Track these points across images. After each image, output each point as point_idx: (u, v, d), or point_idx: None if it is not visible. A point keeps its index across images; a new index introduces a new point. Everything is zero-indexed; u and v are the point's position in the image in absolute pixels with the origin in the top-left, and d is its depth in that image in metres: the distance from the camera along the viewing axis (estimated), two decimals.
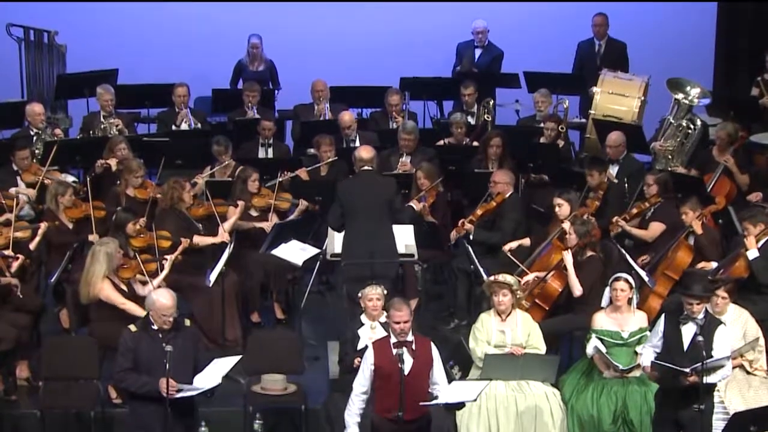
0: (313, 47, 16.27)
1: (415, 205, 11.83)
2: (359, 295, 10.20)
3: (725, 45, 16.40)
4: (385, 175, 11.84)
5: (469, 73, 15.20)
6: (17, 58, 15.61)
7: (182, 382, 8.97)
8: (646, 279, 10.99)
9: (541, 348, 10.21)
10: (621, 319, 10.13)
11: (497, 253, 11.88)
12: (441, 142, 13.81)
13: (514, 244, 11.62)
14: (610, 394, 9.96)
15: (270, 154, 13.69)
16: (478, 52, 15.53)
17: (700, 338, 8.98)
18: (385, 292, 10.10)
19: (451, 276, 12.25)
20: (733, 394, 9.94)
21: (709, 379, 9.00)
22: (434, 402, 9.01)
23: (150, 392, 8.96)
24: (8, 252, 11.00)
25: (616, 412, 9.92)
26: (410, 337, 9.00)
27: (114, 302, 10.40)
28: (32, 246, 11.33)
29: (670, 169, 12.93)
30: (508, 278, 10.26)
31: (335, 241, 11.24)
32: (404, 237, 11.20)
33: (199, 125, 14.21)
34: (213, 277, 11.00)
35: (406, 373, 8.84)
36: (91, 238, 11.53)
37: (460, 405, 9.32)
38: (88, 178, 12.25)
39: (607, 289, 10.24)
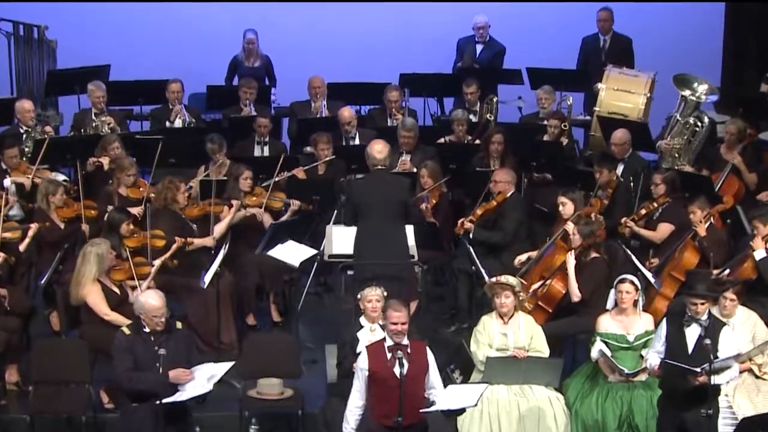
0: (310, 42, 16.27)
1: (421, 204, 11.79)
2: (358, 296, 10.19)
3: (733, 40, 16.40)
4: (397, 175, 11.79)
5: (470, 69, 15.20)
6: (6, 53, 15.60)
7: (174, 387, 8.96)
8: (652, 280, 10.99)
9: (544, 351, 10.20)
10: (626, 322, 10.12)
11: (499, 254, 11.87)
12: (442, 140, 13.81)
13: (523, 257, 11.58)
14: (615, 399, 9.95)
15: (266, 153, 13.68)
16: (479, 48, 15.54)
17: (707, 341, 8.98)
18: (385, 293, 10.09)
19: (451, 277, 12.25)
20: (742, 399, 9.93)
21: (716, 380, 9.01)
22: (433, 408, 9.00)
23: (161, 388, 8.93)
24: None
25: (622, 417, 9.92)
26: (405, 341, 8.99)
27: (98, 312, 10.40)
28: (22, 247, 11.31)
29: (677, 167, 12.92)
30: (511, 280, 10.25)
31: (333, 242, 11.22)
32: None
33: (193, 122, 14.20)
34: (207, 278, 10.98)
35: (398, 376, 8.85)
36: (83, 227, 11.59)
37: (461, 411, 9.31)
38: (79, 177, 12.23)
39: (612, 291, 10.23)
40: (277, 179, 12.60)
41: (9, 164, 12.57)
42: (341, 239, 11.16)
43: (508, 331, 10.17)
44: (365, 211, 10.97)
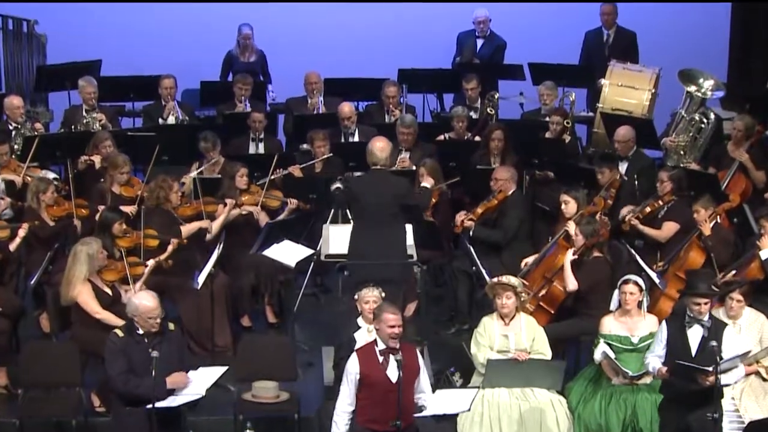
0: (306, 37, 16.28)
1: (428, 183, 11.72)
2: (356, 297, 10.19)
3: (740, 34, 16.39)
4: (397, 175, 11.79)
5: (471, 65, 15.20)
6: None
7: (168, 390, 8.96)
8: (657, 281, 10.98)
9: (546, 353, 10.20)
10: (631, 324, 10.12)
11: (499, 254, 11.87)
12: (441, 137, 13.80)
13: (530, 260, 11.57)
14: (619, 402, 9.95)
15: (261, 150, 13.68)
16: (479, 43, 15.54)
17: (713, 343, 8.99)
18: (383, 294, 10.09)
19: (451, 278, 12.24)
20: (749, 402, 9.93)
21: (724, 380, 9.05)
22: (426, 413, 9.01)
23: (158, 393, 8.93)
24: None
25: (626, 421, 9.91)
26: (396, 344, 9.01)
27: (89, 310, 10.39)
28: (12, 247, 11.31)
29: (682, 165, 12.92)
30: (512, 280, 10.25)
31: (330, 242, 11.22)
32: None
33: (186, 119, 14.20)
34: (201, 278, 10.98)
35: (394, 380, 8.86)
36: (75, 221, 11.64)
37: (453, 415, 9.31)
38: (70, 175, 12.22)
39: (616, 291, 10.23)
40: (272, 177, 12.58)
41: None
42: (338, 239, 11.15)
43: (510, 333, 10.17)
44: (362, 210, 10.97)
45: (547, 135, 13.56)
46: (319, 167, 13.12)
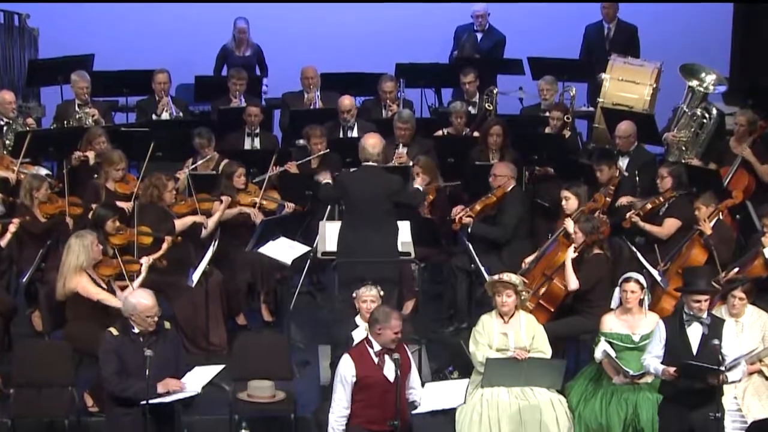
0: (303, 31, 16.27)
1: (420, 185, 11.72)
2: (354, 295, 10.20)
3: (743, 28, 16.39)
4: (389, 171, 11.80)
5: (470, 59, 15.20)
6: None
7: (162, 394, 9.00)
8: (659, 279, 10.99)
9: (546, 352, 10.20)
10: (632, 322, 10.13)
11: (498, 251, 11.88)
12: (439, 133, 13.81)
13: (530, 258, 11.58)
14: (620, 402, 9.96)
15: (257, 145, 13.68)
16: (478, 37, 15.53)
17: (715, 341, 9.00)
18: (381, 293, 10.10)
19: (450, 275, 12.24)
20: (752, 401, 9.94)
21: (730, 378, 9.09)
22: (421, 410, 9.02)
23: (149, 397, 8.95)
24: None
25: (627, 421, 9.92)
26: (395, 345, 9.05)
27: (90, 295, 10.38)
28: (3, 243, 11.30)
29: (684, 161, 12.93)
30: (513, 278, 10.24)
31: (326, 239, 11.23)
32: (401, 234, 11.19)
33: (180, 114, 14.20)
34: (196, 276, 10.99)
35: (391, 380, 8.87)
36: (67, 219, 11.66)
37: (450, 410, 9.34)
38: (64, 171, 12.22)
39: (617, 289, 10.24)
40: (269, 174, 12.58)
41: None
42: (335, 236, 11.16)
43: (509, 331, 10.17)
44: (353, 207, 10.99)
45: (547, 130, 13.56)
46: (316, 163, 13.12)
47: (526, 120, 14.21)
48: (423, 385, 9.30)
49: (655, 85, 14.17)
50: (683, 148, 13.40)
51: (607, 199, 12.01)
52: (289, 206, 12.40)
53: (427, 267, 12.27)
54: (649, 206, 11.92)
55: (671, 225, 11.77)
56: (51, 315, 10.82)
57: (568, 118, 13.58)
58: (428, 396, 9.14)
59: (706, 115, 13.44)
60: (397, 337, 8.95)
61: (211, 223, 11.93)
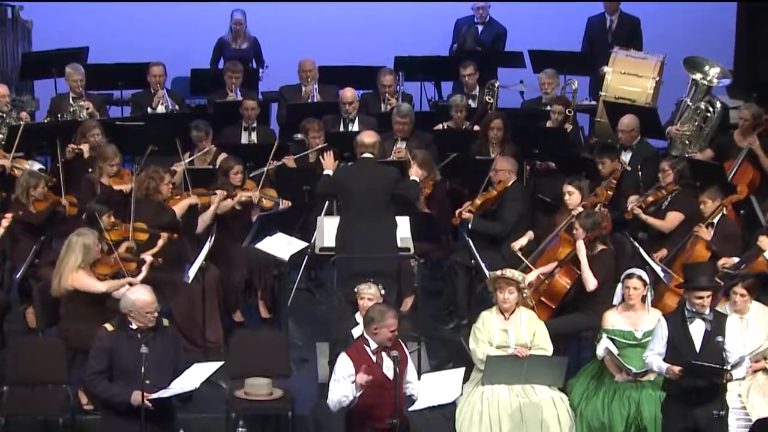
0: (301, 24, 16.24)
1: (416, 176, 11.69)
2: (356, 290, 10.18)
3: (747, 21, 16.37)
4: (386, 164, 11.79)
5: (471, 52, 15.18)
6: None
7: (160, 387, 8.96)
8: (662, 275, 10.98)
9: (547, 349, 10.19)
10: (634, 318, 10.12)
11: (499, 246, 11.87)
12: (439, 127, 13.80)
13: (523, 241, 11.59)
14: (623, 400, 9.95)
15: (254, 139, 13.68)
16: (478, 29, 15.51)
17: (718, 338, 9.00)
18: (382, 291, 10.09)
19: (450, 271, 12.24)
20: (756, 399, 9.92)
21: (736, 374, 9.08)
22: (418, 406, 9.02)
23: (121, 403, 8.95)
24: None
25: (629, 419, 9.91)
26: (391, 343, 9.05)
27: (90, 289, 10.36)
28: None
29: (687, 155, 12.92)
30: (516, 275, 10.22)
31: (324, 234, 11.23)
32: (400, 229, 11.18)
33: (176, 108, 14.18)
34: (192, 272, 10.98)
35: (390, 377, 8.87)
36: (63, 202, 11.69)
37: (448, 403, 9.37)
38: (58, 165, 12.20)
39: (619, 285, 10.22)
40: (266, 169, 12.57)
41: None
42: (333, 231, 11.16)
43: (510, 328, 10.16)
44: (349, 201, 10.99)
45: (549, 124, 13.56)
46: (314, 158, 13.11)
47: (527, 114, 14.20)
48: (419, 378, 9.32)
49: (658, 79, 14.16)
50: (687, 142, 13.40)
51: (609, 192, 12.01)
52: (285, 203, 12.39)
53: (426, 263, 12.27)
54: (651, 198, 11.92)
55: (674, 218, 11.76)
56: (45, 311, 10.80)
57: (569, 112, 13.57)
58: (425, 389, 9.12)
59: (710, 109, 13.43)
60: (393, 335, 8.95)
61: (207, 217, 11.91)
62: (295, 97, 14.55)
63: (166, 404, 9.14)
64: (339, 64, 14.91)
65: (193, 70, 15.01)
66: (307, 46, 15.14)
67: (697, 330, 9.20)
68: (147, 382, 8.85)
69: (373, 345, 9.00)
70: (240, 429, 9.68)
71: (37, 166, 12.81)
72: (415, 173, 11.59)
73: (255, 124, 13.73)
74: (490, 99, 14.26)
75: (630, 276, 10.12)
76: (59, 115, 13.70)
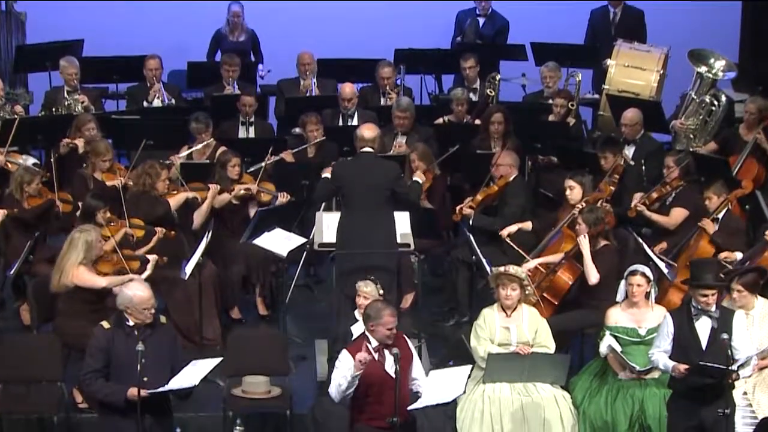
0: (299, 16, 16.23)
1: (419, 177, 11.71)
2: (357, 286, 10.17)
3: (752, 13, 16.36)
4: (386, 159, 11.78)
5: (472, 45, 15.17)
6: None
7: (158, 385, 8.96)
8: (666, 271, 10.98)
9: (549, 347, 10.19)
10: (638, 315, 10.12)
11: (501, 243, 11.86)
12: (440, 121, 13.79)
13: (513, 228, 11.60)
14: (626, 398, 9.95)
15: (251, 134, 13.67)
16: (480, 22, 15.50)
17: (724, 336, 8.99)
18: (381, 291, 10.08)
19: (450, 268, 12.24)
20: (762, 396, 9.92)
21: (743, 373, 9.08)
22: (421, 404, 9.01)
23: (118, 402, 8.94)
24: None
25: (633, 417, 9.91)
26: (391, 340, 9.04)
27: (91, 285, 10.35)
28: None
29: (692, 149, 12.92)
30: (519, 271, 10.20)
31: (323, 230, 11.22)
32: (400, 225, 11.18)
33: (173, 101, 14.18)
34: (189, 268, 10.98)
35: (393, 374, 8.86)
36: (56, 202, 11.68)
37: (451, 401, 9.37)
38: (52, 161, 12.19)
39: (623, 282, 10.22)
40: (264, 164, 12.56)
41: None
42: (332, 227, 11.16)
43: (511, 325, 10.15)
44: (349, 196, 10.99)
45: (551, 118, 13.55)
46: (312, 152, 13.11)
47: (528, 107, 14.19)
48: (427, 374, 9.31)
49: (662, 72, 14.16)
50: (691, 137, 13.39)
51: (611, 188, 12.01)
52: (284, 196, 12.37)
53: (426, 259, 12.26)
54: (655, 195, 11.91)
55: (678, 214, 11.77)
56: (39, 308, 10.80)
57: (572, 105, 13.56)
58: (430, 386, 9.11)
59: (715, 103, 13.43)
60: (391, 332, 8.94)
61: (202, 211, 11.90)
62: (294, 90, 14.54)
63: (164, 402, 9.14)
64: (338, 56, 14.88)
65: (190, 63, 15.00)
66: (305, 39, 15.12)
67: (703, 327, 9.18)
68: (145, 379, 8.85)
69: (375, 342, 8.99)
70: (237, 428, 9.67)
71: (31, 160, 12.81)
72: (419, 175, 11.59)
73: (252, 119, 13.71)
74: (491, 92, 14.25)
75: (633, 273, 10.12)
76: (54, 109, 13.70)
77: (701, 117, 13.45)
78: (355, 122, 13.51)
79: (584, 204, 11.34)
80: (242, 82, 14.45)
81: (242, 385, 10.27)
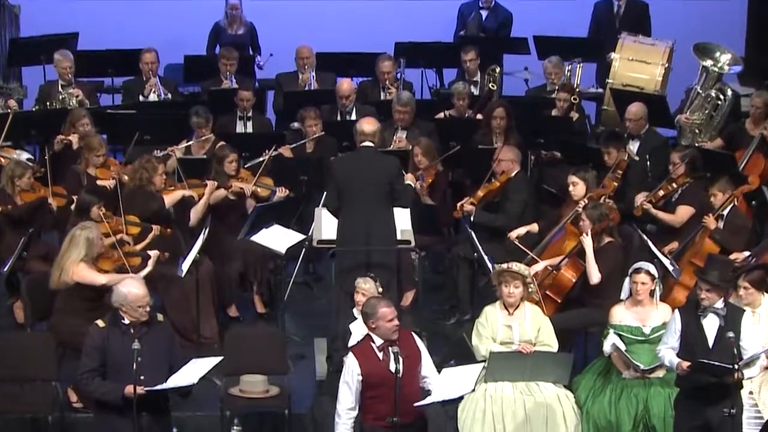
0: (298, 9, 16.22)
1: (411, 180, 11.73)
2: (356, 283, 10.17)
3: (759, 6, 16.36)
4: (386, 153, 11.77)
5: (475, 38, 15.15)
6: None
7: (155, 384, 8.95)
8: (671, 268, 10.97)
9: (552, 345, 10.18)
10: (642, 313, 10.11)
11: (503, 239, 11.85)
12: (441, 115, 13.78)
13: (522, 231, 11.59)
14: (630, 397, 9.94)
15: (249, 129, 13.66)
16: (483, 15, 15.49)
17: (730, 334, 8.98)
18: (380, 289, 10.07)
19: (451, 265, 12.24)
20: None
21: (747, 373, 9.06)
22: (429, 400, 8.98)
23: (115, 400, 8.93)
24: None
25: (637, 417, 9.91)
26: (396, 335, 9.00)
27: (93, 283, 10.34)
28: None
29: (697, 144, 12.91)
30: (522, 269, 10.18)
31: (322, 226, 11.21)
32: (400, 221, 11.17)
33: (169, 96, 14.16)
34: (186, 265, 10.97)
35: (400, 373, 8.84)
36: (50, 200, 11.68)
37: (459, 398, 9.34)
38: (46, 157, 12.18)
39: (627, 280, 10.20)
40: (262, 159, 12.55)
41: None
42: (331, 224, 11.15)
43: (513, 323, 10.14)
44: (348, 193, 10.97)
45: (554, 113, 13.54)
46: (311, 147, 13.10)
47: (531, 102, 14.18)
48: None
49: (667, 65, 14.15)
50: (697, 131, 13.39)
51: (615, 183, 11.99)
52: (282, 191, 12.36)
53: (427, 256, 12.26)
54: (661, 193, 11.89)
55: (684, 212, 11.74)
56: (33, 306, 10.79)
57: (575, 100, 13.55)
58: (441, 384, 9.07)
59: (721, 97, 13.43)
60: (392, 324, 8.88)
61: (199, 208, 11.89)
62: (292, 84, 14.53)
63: (161, 401, 9.13)
64: (337, 50, 14.86)
65: (187, 56, 14.98)
66: (304, 32, 15.12)
67: (710, 325, 9.16)
68: (141, 377, 8.84)
69: (378, 341, 8.95)
70: (235, 428, 9.67)
71: (25, 155, 12.79)
72: (409, 178, 11.57)
73: (250, 114, 13.70)
74: (492, 86, 14.24)
75: (638, 270, 10.10)
76: (48, 103, 13.69)
77: (707, 111, 13.44)
78: (353, 118, 13.50)
79: (588, 200, 11.33)
80: (240, 76, 14.44)
81: (240, 385, 10.27)
